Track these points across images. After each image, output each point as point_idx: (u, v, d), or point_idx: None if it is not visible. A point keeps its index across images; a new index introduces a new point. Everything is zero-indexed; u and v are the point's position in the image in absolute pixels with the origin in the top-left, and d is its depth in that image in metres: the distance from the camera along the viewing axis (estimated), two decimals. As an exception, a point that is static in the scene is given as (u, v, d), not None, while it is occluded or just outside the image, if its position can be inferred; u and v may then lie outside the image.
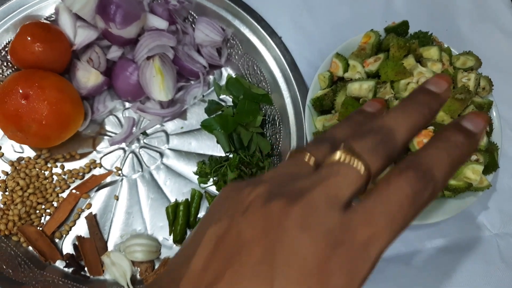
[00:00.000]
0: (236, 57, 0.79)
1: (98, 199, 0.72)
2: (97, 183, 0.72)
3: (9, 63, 0.74)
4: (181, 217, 0.70)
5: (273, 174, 0.31)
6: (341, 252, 0.26)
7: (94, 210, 0.71)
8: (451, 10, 0.88)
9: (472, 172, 0.59)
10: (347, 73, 0.67)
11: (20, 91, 0.64)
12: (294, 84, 0.73)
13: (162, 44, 0.71)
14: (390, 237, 0.27)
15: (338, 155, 0.29)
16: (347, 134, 0.33)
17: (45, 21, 0.75)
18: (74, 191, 0.71)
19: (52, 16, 0.76)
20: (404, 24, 0.69)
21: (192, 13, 0.79)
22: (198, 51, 0.78)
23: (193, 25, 0.78)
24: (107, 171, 0.73)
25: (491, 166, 0.64)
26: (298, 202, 0.27)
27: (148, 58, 0.70)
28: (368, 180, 0.29)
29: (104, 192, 0.72)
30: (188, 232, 0.71)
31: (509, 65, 0.85)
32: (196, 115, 0.78)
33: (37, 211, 0.69)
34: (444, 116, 0.60)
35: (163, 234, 0.71)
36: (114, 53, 0.74)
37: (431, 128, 0.58)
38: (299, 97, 0.72)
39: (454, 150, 0.29)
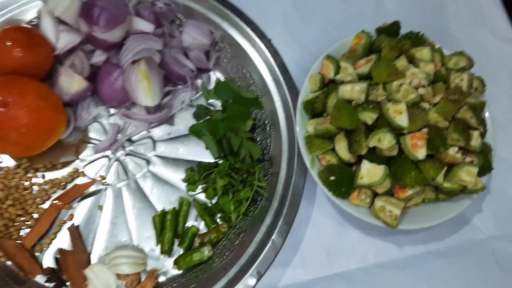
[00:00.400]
0: (225, 60, 0.77)
1: (81, 210, 0.69)
2: (80, 193, 0.69)
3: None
4: (168, 226, 0.67)
5: None
6: None
7: (76, 221, 0.68)
8: (442, 11, 0.87)
9: (467, 174, 0.58)
10: (338, 75, 0.65)
11: None
12: (285, 87, 0.71)
13: (148, 48, 0.69)
14: None
15: None
16: None
17: (26, 25, 0.72)
18: (55, 201, 0.68)
19: (34, 20, 0.73)
20: (395, 25, 0.68)
21: (179, 16, 0.77)
22: (186, 55, 0.76)
23: (180, 28, 0.76)
24: (90, 180, 0.70)
25: (485, 168, 0.62)
26: None
27: (134, 62, 0.68)
28: None
29: (87, 202, 0.69)
30: (176, 242, 0.68)
31: (499, 67, 0.84)
32: (184, 120, 0.76)
33: (16, 224, 0.66)
34: (438, 118, 0.59)
35: (150, 245, 0.68)
36: (98, 57, 0.71)
37: (425, 130, 0.57)
38: (289, 101, 0.70)
39: None
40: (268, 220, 0.64)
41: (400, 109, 0.56)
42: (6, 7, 0.73)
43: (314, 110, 0.65)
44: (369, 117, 0.58)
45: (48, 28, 0.70)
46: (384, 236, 0.70)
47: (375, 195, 0.62)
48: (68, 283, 0.64)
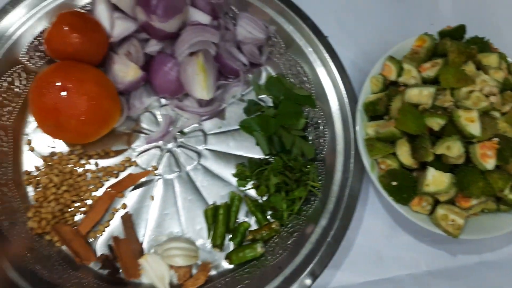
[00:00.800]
0: (278, 55, 0.76)
1: (132, 199, 0.69)
2: (134, 182, 0.69)
3: (42, 53, 0.70)
4: (221, 221, 0.67)
5: None
6: None
7: (128, 210, 0.68)
8: (496, 17, 0.85)
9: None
10: (401, 78, 0.64)
11: (59, 84, 0.60)
12: (342, 86, 0.70)
13: (204, 40, 0.68)
14: None
15: None
16: None
17: (81, 10, 0.72)
18: (109, 189, 0.68)
19: (87, 5, 0.72)
20: (461, 29, 0.66)
21: (233, 8, 0.75)
22: (239, 48, 0.75)
23: (234, 21, 0.75)
24: (143, 170, 0.70)
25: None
26: None
27: (191, 54, 0.67)
28: None
29: (138, 191, 0.69)
30: (228, 237, 0.68)
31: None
32: (234, 114, 0.75)
33: (71, 209, 0.66)
34: (508, 127, 0.57)
35: (201, 238, 0.68)
36: (153, 47, 0.71)
37: (495, 139, 0.55)
38: (346, 101, 0.69)
39: None
40: (323, 222, 0.64)
41: (472, 117, 0.55)
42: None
43: (375, 112, 0.64)
44: (436, 123, 0.57)
45: (103, 15, 0.69)
46: (437, 244, 0.70)
47: (435, 202, 0.61)
48: (121, 271, 0.64)
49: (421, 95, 0.59)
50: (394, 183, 0.60)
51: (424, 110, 0.58)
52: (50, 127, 0.63)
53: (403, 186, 0.59)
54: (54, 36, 0.65)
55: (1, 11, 0.68)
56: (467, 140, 0.56)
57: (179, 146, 0.72)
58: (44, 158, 0.68)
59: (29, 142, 0.69)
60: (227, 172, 0.72)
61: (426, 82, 0.63)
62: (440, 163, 0.59)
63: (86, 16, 0.68)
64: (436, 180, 0.56)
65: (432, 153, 0.57)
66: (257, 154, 0.73)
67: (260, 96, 0.76)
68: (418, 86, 0.59)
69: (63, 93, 0.60)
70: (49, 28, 0.65)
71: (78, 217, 0.67)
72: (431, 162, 0.58)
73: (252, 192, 0.71)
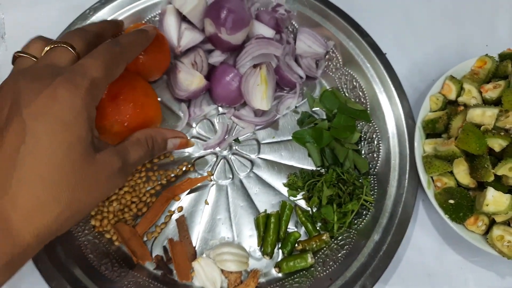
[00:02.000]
0: (334, 70, 0.78)
1: (187, 203, 0.71)
2: (192, 186, 0.71)
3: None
4: (272, 229, 0.68)
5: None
6: (61, 77, 0.41)
7: (183, 213, 0.70)
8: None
9: None
10: (461, 97, 0.65)
11: (110, 90, 0.62)
12: (398, 103, 0.71)
13: (267, 53, 0.71)
14: (99, 64, 0.45)
15: (48, 46, 0.46)
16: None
17: (148, 22, 0.75)
18: (167, 192, 0.71)
19: (157, 16, 0.76)
20: (523, 52, 0.66)
21: (294, 23, 0.78)
22: (296, 61, 0.77)
23: (293, 35, 0.77)
24: (199, 175, 0.72)
25: None
26: (23, 72, 0.44)
27: (255, 66, 0.69)
28: (77, 53, 0.47)
29: (193, 195, 0.72)
30: (277, 245, 0.69)
31: None
32: (288, 125, 0.77)
33: (131, 210, 0.69)
34: None
35: (251, 245, 0.69)
36: (217, 58, 0.73)
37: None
38: (403, 117, 0.70)
39: (132, 34, 0.54)
40: (376, 237, 0.65)
41: (536, 140, 0.55)
42: (132, 2, 0.76)
43: (434, 129, 0.64)
44: (498, 144, 0.57)
45: (171, 26, 0.72)
46: (486, 264, 0.69)
47: (490, 222, 0.61)
48: (174, 272, 0.66)
49: (484, 116, 0.59)
50: (451, 201, 0.60)
51: (486, 130, 0.59)
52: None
53: (460, 205, 0.60)
54: None
55: (80, 17, 0.72)
56: (529, 163, 0.56)
57: (233, 154, 0.75)
58: (107, 158, 0.72)
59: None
60: (279, 181, 0.73)
61: (487, 103, 0.63)
62: (499, 183, 0.59)
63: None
64: (496, 200, 0.56)
65: (492, 173, 0.57)
66: (308, 165, 0.74)
67: (313, 109, 0.78)
68: (481, 107, 0.60)
69: (112, 99, 0.62)
70: None
71: (136, 218, 0.70)
72: (490, 182, 0.58)
73: (302, 203, 0.72)
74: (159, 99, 0.75)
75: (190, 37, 0.72)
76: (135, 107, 0.63)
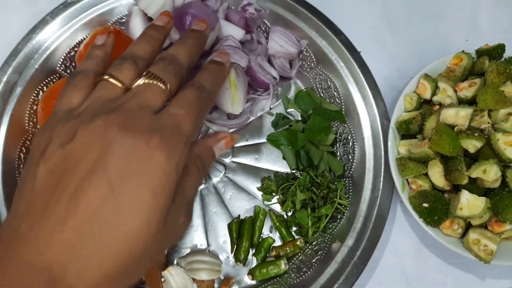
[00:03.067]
0: (308, 69, 0.76)
1: (159, 209, 0.69)
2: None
3: (74, 64, 0.72)
4: (245, 235, 0.67)
5: (87, 103, 0.38)
6: (158, 136, 0.35)
7: (155, 220, 0.69)
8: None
9: None
10: (436, 97, 0.63)
11: None
12: (373, 103, 0.69)
13: (233, 62, 0.68)
14: (192, 119, 0.39)
15: (142, 80, 0.40)
16: (145, 50, 0.44)
17: (115, 25, 0.73)
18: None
19: (123, 18, 0.74)
20: (500, 48, 0.64)
21: (266, 21, 0.75)
22: (269, 62, 0.75)
23: (266, 34, 0.75)
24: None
25: None
26: (115, 113, 0.36)
27: (223, 67, 0.67)
28: (170, 93, 0.40)
29: (165, 202, 0.70)
30: (251, 252, 0.67)
31: None
32: (262, 127, 0.75)
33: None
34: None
35: (224, 251, 0.68)
36: (185, 61, 0.71)
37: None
38: (378, 118, 0.68)
39: (211, 72, 0.46)
40: (350, 241, 0.63)
41: (511, 140, 0.53)
42: (97, 4, 0.73)
43: (408, 130, 0.62)
44: (472, 145, 0.55)
45: (137, 28, 0.70)
46: (465, 267, 0.67)
47: (467, 225, 0.59)
48: (144, 281, 0.64)
49: (457, 116, 0.57)
50: (426, 204, 0.58)
51: (460, 131, 0.57)
52: None
53: (435, 208, 0.58)
54: (85, 54, 0.65)
55: (41, 22, 0.70)
56: (504, 164, 0.54)
57: (206, 158, 0.72)
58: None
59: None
60: (253, 185, 0.71)
61: (462, 102, 0.61)
62: (474, 186, 0.57)
63: (120, 35, 0.68)
64: (470, 204, 0.54)
65: (467, 176, 0.55)
66: (283, 168, 0.72)
67: (288, 110, 0.75)
68: (454, 107, 0.58)
69: None
70: (82, 46, 0.66)
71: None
72: (465, 185, 0.56)
73: (277, 207, 0.70)
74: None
75: (158, 41, 0.69)
76: None
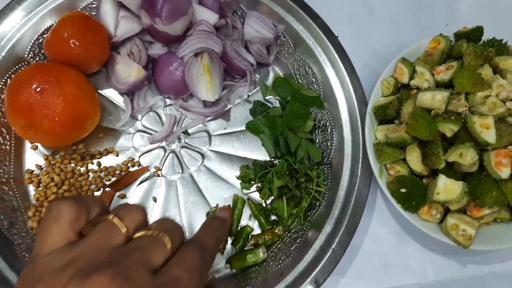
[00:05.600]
0: (286, 55, 0.74)
1: (134, 200, 0.68)
2: (132, 180, 0.67)
3: (42, 51, 0.69)
4: (223, 224, 0.65)
5: (85, 246, 0.36)
6: None
7: (130, 211, 0.67)
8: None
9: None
10: (413, 80, 0.62)
11: (36, 83, 0.58)
12: (351, 88, 0.67)
13: (206, 47, 0.66)
14: (193, 284, 0.37)
15: (148, 231, 0.39)
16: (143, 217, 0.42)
17: (84, 10, 0.70)
18: (108, 189, 0.67)
19: (94, 2, 0.71)
20: (478, 30, 0.63)
21: (242, 6, 0.73)
22: (246, 48, 0.73)
23: (242, 19, 0.73)
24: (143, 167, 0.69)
25: None
26: (115, 270, 0.33)
27: (196, 54, 0.65)
28: (171, 251, 0.39)
29: (141, 193, 0.68)
30: (230, 241, 0.66)
31: None
32: (240, 115, 0.73)
33: (72, 210, 0.65)
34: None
35: (202, 242, 0.66)
36: (157, 50, 0.69)
37: (511, 147, 0.53)
38: (355, 103, 0.67)
39: (214, 229, 0.47)
40: (328, 228, 0.62)
41: (487, 123, 0.52)
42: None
43: (385, 116, 0.61)
44: (449, 129, 0.54)
45: (108, 13, 0.68)
46: (446, 253, 0.67)
47: (445, 210, 0.59)
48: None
49: (434, 100, 0.56)
50: (403, 190, 0.57)
51: (437, 115, 0.56)
52: (23, 128, 0.60)
53: (412, 194, 0.57)
54: (53, 41, 0.63)
55: (6, 7, 0.67)
56: (481, 148, 0.54)
57: (183, 147, 0.71)
58: (46, 157, 0.67)
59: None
60: (231, 174, 0.70)
61: (439, 85, 0.60)
62: (452, 170, 0.56)
63: (88, 20, 0.65)
64: (447, 188, 0.54)
65: (443, 160, 0.54)
66: (262, 156, 0.71)
67: (267, 97, 0.74)
68: (431, 90, 0.57)
69: (38, 92, 0.58)
70: (49, 33, 0.64)
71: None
72: (442, 169, 0.55)
73: (256, 196, 0.69)
74: (101, 91, 0.71)
75: (127, 27, 0.67)
76: (65, 101, 0.59)
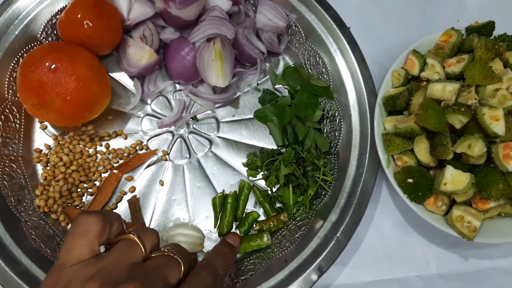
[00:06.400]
0: (297, 45, 0.74)
1: (141, 183, 0.68)
2: (140, 163, 0.68)
3: (55, 32, 0.70)
4: (229, 209, 0.66)
5: (109, 261, 0.39)
6: None
7: (136, 194, 0.67)
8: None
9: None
10: (423, 72, 0.62)
11: (49, 62, 0.59)
12: (361, 79, 0.68)
13: (219, 33, 0.67)
14: None
15: (165, 252, 0.43)
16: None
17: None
18: (115, 171, 0.67)
19: (108, -15, 0.71)
20: (490, 25, 0.63)
21: (255, -6, 0.74)
22: (257, 36, 0.73)
23: (254, 7, 0.74)
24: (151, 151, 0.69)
25: None
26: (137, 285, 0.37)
27: (209, 40, 0.65)
28: (183, 272, 0.42)
29: (148, 176, 0.69)
30: (234, 225, 0.66)
31: None
32: (249, 103, 0.74)
33: (79, 190, 0.66)
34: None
35: (208, 226, 0.67)
36: (169, 35, 0.69)
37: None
38: (365, 94, 0.67)
39: (225, 256, 0.51)
40: (333, 217, 0.62)
41: (497, 115, 0.52)
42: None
43: (395, 106, 0.61)
44: (458, 120, 0.55)
45: (123, -4, 0.68)
46: (448, 246, 0.67)
47: (451, 203, 0.59)
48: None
49: (444, 91, 0.56)
50: (410, 180, 0.57)
51: (447, 106, 0.56)
52: (34, 106, 0.60)
53: (419, 184, 0.57)
54: (67, 22, 0.64)
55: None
56: (490, 140, 0.54)
57: (191, 132, 0.71)
58: (55, 137, 0.68)
59: (41, 121, 0.69)
60: (238, 161, 0.70)
61: (450, 78, 0.61)
62: (459, 162, 0.56)
63: (102, 2, 0.65)
64: (454, 179, 0.54)
65: (452, 151, 0.54)
66: (269, 144, 0.71)
67: (276, 86, 0.74)
68: (442, 81, 0.57)
69: (52, 71, 0.59)
70: (63, 13, 0.64)
71: (85, 198, 0.66)
72: (449, 160, 0.56)
73: (262, 183, 0.69)
74: (112, 74, 0.71)
75: (140, 11, 0.68)
76: (77, 81, 0.59)
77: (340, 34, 0.70)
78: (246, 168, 0.70)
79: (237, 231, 0.66)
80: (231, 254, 0.53)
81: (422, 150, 0.58)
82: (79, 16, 0.62)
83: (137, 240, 0.42)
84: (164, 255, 0.42)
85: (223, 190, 0.68)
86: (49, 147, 0.68)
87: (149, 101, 0.72)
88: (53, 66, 0.59)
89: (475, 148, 0.52)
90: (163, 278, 0.40)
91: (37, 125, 0.69)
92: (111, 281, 0.37)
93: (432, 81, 0.59)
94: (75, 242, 0.40)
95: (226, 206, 0.66)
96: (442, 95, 0.56)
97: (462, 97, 0.57)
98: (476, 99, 0.56)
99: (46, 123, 0.69)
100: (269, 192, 0.68)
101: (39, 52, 0.61)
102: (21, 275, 0.57)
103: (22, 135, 0.67)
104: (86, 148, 0.68)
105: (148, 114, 0.71)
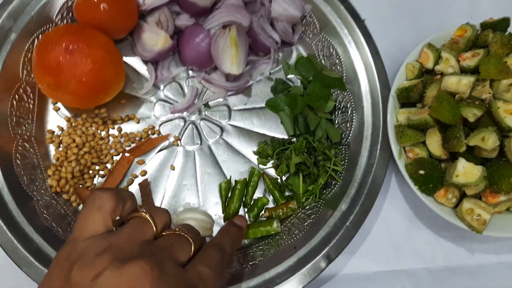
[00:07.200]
0: (311, 35, 0.74)
1: (152, 167, 0.69)
2: (152, 147, 0.68)
3: (70, 14, 0.70)
4: (236, 195, 0.66)
5: (121, 236, 0.40)
6: None
7: (147, 177, 0.68)
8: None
9: None
10: (438, 66, 0.62)
11: (66, 43, 0.59)
12: (375, 71, 0.68)
13: (234, 21, 0.67)
14: (217, 280, 0.42)
15: (176, 231, 0.44)
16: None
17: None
18: (127, 154, 0.68)
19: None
20: (505, 21, 0.63)
21: (270, -16, 0.74)
22: (272, 25, 0.74)
23: (269, -3, 0.74)
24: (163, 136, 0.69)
25: None
26: (148, 261, 0.37)
27: (225, 26, 0.66)
28: (193, 251, 0.43)
29: (159, 160, 0.69)
30: (242, 212, 0.67)
31: None
32: (261, 92, 0.74)
33: (91, 171, 0.66)
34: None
35: (217, 211, 0.67)
36: (184, 21, 0.70)
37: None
38: (378, 86, 0.67)
39: (232, 236, 0.53)
40: (343, 206, 0.63)
41: (511, 109, 0.53)
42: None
43: (408, 98, 0.62)
44: (472, 113, 0.55)
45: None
46: (455, 240, 0.68)
47: (461, 196, 0.60)
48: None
49: (459, 84, 0.56)
50: (422, 172, 0.58)
51: (461, 99, 0.56)
52: (50, 87, 0.61)
53: (430, 176, 0.58)
54: (83, 4, 0.64)
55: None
56: (503, 134, 0.54)
57: (202, 119, 0.72)
58: (68, 118, 0.68)
59: (55, 102, 0.69)
60: (249, 149, 0.71)
61: (465, 71, 0.61)
62: (471, 155, 0.57)
63: None
64: (466, 171, 0.54)
65: (465, 143, 0.55)
66: (280, 134, 0.72)
67: (288, 76, 0.75)
68: (457, 75, 0.57)
69: (68, 52, 0.59)
70: None
71: (96, 180, 0.67)
72: (461, 153, 0.56)
73: (272, 172, 0.70)
74: (125, 59, 0.72)
75: (156, -4, 0.68)
76: (93, 63, 0.60)
77: (355, 26, 0.70)
78: (257, 156, 0.70)
79: (246, 216, 0.66)
80: (238, 234, 0.55)
81: (434, 142, 0.59)
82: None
83: (149, 218, 0.43)
84: (175, 234, 0.43)
85: (230, 177, 0.69)
86: (61, 129, 0.68)
87: (162, 87, 0.72)
88: (70, 47, 0.59)
89: (489, 141, 0.53)
90: (173, 256, 0.41)
91: (51, 106, 0.69)
92: (122, 256, 0.38)
93: (446, 74, 0.60)
94: (89, 216, 0.41)
95: (234, 192, 0.66)
96: (457, 88, 0.57)
97: (476, 91, 0.57)
98: (490, 93, 0.56)
99: (59, 104, 0.69)
100: (279, 180, 0.69)
101: (56, 33, 0.61)
102: (32, 252, 0.57)
103: (35, 116, 0.67)
104: (99, 131, 0.68)
105: (161, 100, 0.71)
